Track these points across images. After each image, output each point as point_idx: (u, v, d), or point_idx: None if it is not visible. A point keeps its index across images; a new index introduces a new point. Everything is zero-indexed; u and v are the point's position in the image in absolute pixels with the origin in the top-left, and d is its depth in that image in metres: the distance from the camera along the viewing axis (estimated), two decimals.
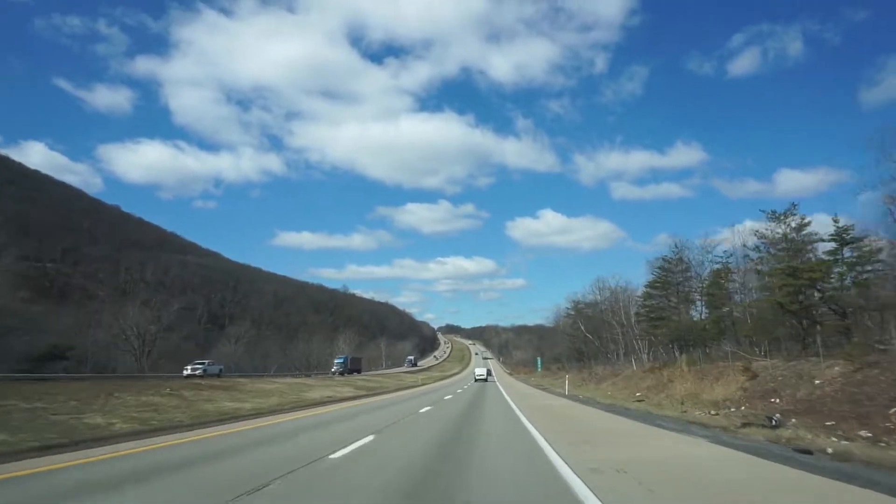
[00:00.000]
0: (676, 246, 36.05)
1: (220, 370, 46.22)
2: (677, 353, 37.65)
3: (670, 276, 36.65)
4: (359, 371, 77.56)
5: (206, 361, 46.52)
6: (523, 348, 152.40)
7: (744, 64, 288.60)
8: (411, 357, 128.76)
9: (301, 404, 29.52)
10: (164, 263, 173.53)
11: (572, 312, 66.60)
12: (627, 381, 37.88)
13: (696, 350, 35.14)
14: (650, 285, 38.51)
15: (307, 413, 22.58)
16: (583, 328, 60.00)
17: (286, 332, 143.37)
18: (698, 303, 36.90)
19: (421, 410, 18.90)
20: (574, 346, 68.71)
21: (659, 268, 37.32)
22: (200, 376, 39.93)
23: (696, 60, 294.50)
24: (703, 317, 36.35)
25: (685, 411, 20.88)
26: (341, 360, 74.64)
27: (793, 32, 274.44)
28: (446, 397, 31.23)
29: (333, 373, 68.54)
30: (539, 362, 74.36)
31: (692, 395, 24.99)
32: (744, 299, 29.70)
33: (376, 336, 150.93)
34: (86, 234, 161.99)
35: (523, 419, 15.31)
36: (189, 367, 44.25)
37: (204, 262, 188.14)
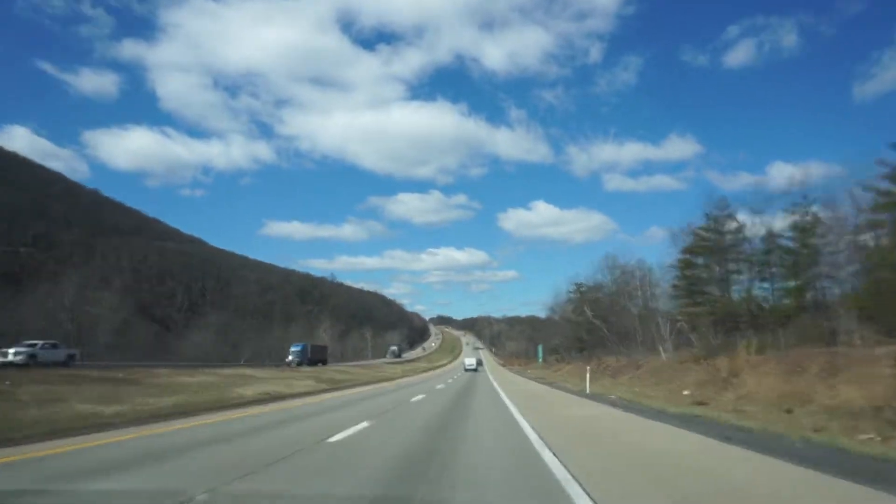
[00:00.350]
0: (724, 200, 27.00)
1: (70, 357, 32.51)
2: (717, 338, 28.67)
3: (713, 240, 27.44)
4: (324, 361, 66.14)
5: (39, 343, 31.19)
6: (516, 339, 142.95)
7: (738, 56, 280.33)
8: (394, 347, 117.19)
9: (219, 405, 20.40)
10: (143, 249, 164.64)
11: (575, 296, 57.59)
12: (657, 375, 28.79)
13: (747, 333, 26.22)
14: (689, 250, 29.07)
15: (194, 423, 13.55)
16: (589, 313, 50.99)
17: (269, 320, 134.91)
18: (744, 274, 27.89)
19: (334, 439, 8.92)
20: (576, 335, 59.74)
21: (701, 228, 28.08)
22: (25, 366, 26.43)
23: (690, 52, 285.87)
24: (751, 291, 27.44)
25: (819, 429, 11.72)
26: (299, 349, 62.35)
27: (788, 25, 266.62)
28: (414, 398, 21.49)
29: (289, 363, 57.56)
30: (540, 351, 63.65)
31: (794, 398, 15.91)
32: (840, 259, 20.78)
33: (363, 325, 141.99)
34: (61, 219, 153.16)
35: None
36: (11, 352, 28.88)
37: (186, 248, 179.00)
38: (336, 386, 36.17)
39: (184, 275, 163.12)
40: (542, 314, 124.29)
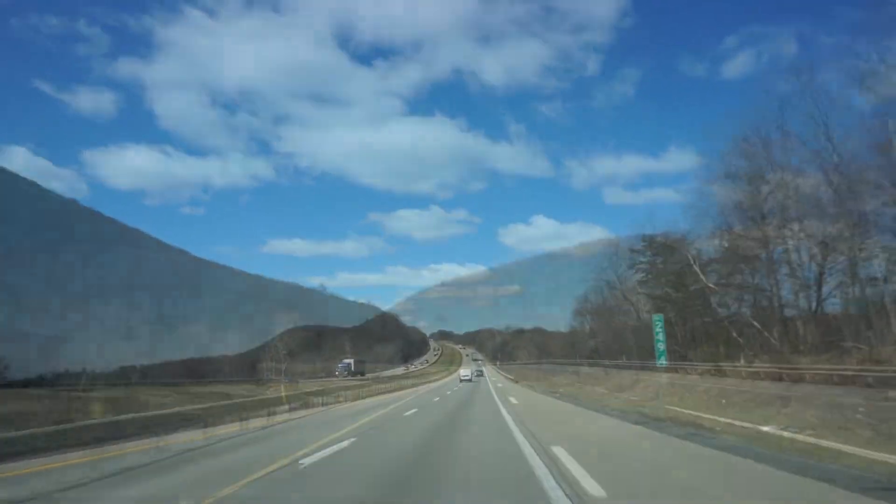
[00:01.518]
0: None
1: None
2: None
3: None
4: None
5: None
6: (525, 348, 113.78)
7: (737, 66, 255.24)
8: (348, 361, 79.03)
9: None
10: (112, 258, 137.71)
11: (647, 254, 28.62)
12: None
13: None
14: None
15: None
16: (702, 275, 22.40)
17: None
18: None
19: None
20: (640, 323, 30.46)
21: None
22: None
23: (688, 62, 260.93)
24: None
25: None
26: None
27: (786, 34, 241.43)
28: None
29: None
30: (660, 336, 28.66)
31: None
32: None
33: (354, 338, 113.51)
34: (18, 225, 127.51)
35: None
36: None
37: (163, 257, 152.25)
38: None
39: (156, 284, 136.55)
40: (547, 327, 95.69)
